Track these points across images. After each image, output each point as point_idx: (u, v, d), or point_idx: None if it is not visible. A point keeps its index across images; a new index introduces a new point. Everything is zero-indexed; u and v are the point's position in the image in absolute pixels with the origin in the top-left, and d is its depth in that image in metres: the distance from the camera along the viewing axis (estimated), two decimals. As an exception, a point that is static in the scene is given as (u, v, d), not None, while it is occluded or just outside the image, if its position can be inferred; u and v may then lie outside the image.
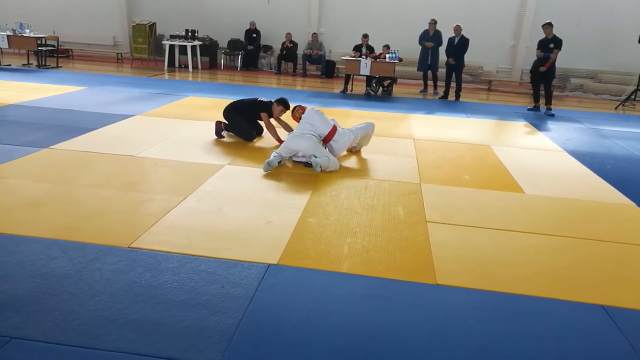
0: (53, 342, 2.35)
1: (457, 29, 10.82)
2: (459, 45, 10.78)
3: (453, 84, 11.10)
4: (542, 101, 10.09)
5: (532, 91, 10.48)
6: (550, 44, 9.56)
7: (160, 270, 3.04)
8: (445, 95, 11.19)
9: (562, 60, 10.50)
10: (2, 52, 12.02)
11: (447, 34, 11.12)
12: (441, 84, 11.58)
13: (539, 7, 13.28)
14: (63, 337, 2.39)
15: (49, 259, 3.09)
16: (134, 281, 2.91)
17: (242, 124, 6.23)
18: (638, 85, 11.21)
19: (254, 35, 13.98)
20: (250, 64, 14.15)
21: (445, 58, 10.98)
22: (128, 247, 3.30)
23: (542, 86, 9.97)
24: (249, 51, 14.00)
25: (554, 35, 9.55)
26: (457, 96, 11.08)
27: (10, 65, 11.98)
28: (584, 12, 13.12)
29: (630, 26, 11.33)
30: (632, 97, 11.36)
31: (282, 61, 13.86)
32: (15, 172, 4.60)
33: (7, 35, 11.70)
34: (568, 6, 13.10)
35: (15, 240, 3.30)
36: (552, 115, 9.69)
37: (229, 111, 6.30)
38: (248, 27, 13.90)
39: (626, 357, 2.52)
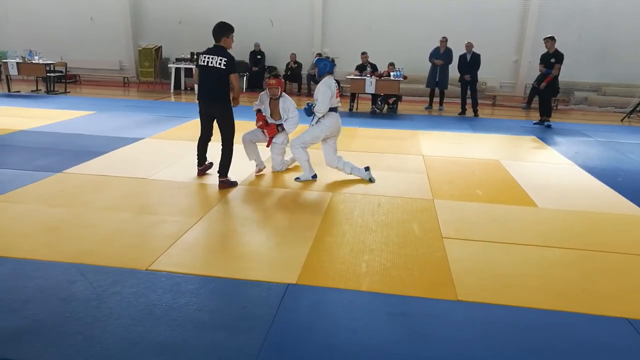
0: (77, 367, 2.34)
1: (469, 45, 10.97)
2: (471, 62, 10.91)
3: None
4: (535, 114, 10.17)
5: (537, 105, 10.52)
6: (551, 59, 9.63)
7: (180, 292, 3.04)
8: (463, 112, 11.27)
9: (565, 74, 10.56)
10: (11, 78, 12.19)
11: (455, 51, 11.27)
12: (451, 100, 11.65)
13: (540, 21, 13.41)
14: (87, 362, 2.38)
15: (68, 283, 3.09)
16: (155, 304, 2.90)
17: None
18: (642, 97, 11.24)
19: (259, 56, 14.15)
20: (256, 85, 14.29)
21: (454, 75, 11.09)
22: (146, 270, 3.30)
23: (540, 100, 10.08)
24: (254, 72, 14.15)
25: (556, 50, 9.62)
26: (475, 112, 11.17)
27: (19, 91, 12.14)
28: (585, 26, 13.24)
29: (632, 38, 11.43)
30: (638, 108, 11.38)
31: (287, 81, 13.99)
32: (29, 197, 4.63)
33: (17, 62, 11.88)
34: (569, 20, 13.22)
35: (33, 265, 3.31)
36: (549, 126, 9.75)
37: None
38: (253, 49, 14.08)
39: (655, 371, 2.49)
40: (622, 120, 11.34)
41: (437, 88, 11.71)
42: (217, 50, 4.93)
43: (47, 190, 4.84)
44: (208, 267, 3.39)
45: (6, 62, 12.05)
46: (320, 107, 5.30)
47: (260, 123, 5.58)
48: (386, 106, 11.34)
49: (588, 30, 13.26)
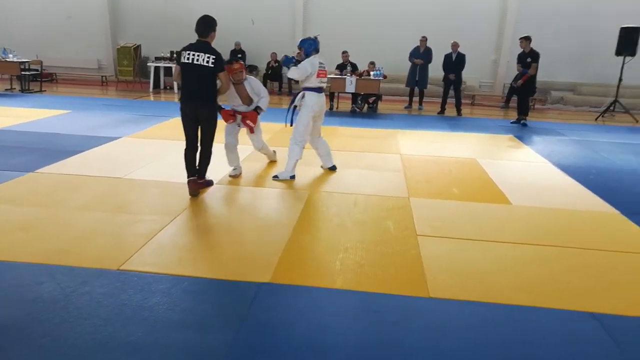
0: (43, 369, 2.31)
1: (455, 45, 11.07)
2: (457, 61, 11.02)
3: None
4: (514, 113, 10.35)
5: (515, 104, 10.68)
6: (527, 58, 9.78)
7: (151, 292, 3.01)
8: (442, 111, 11.36)
9: (542, 74, 10.73)
10: (-15, 77, 11.95)
11: (435, 51, 11.38)
12: (431, 99, 11.75)
13: (518, 21, 13.58)
14: (53, 363, 2.34)
15: (36, 284, 3.04)
16: (125, 304, 2.87)
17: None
18: (616, 97, 11.48)
19: (239, 55, 14.05)
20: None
21: (434, 75, 11.18)
22: (118, 270, 3.26)
23: (518, 99, 10.24)
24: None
25: (531, 49, 9.78)
26: (459, 111, 11.28)
27: (-7, 90, 11.90)
28: (563, 26, 13.45)
29: (608, 39, 11.62)
30: (611, 108, 11.62)
31: (268, 80, 13.95)
32: (0, 196, 4.54)
33: (-10, 61, 11.63)
34: (547, 20, 13.41)
35: (2, 266, 3.24)
36: (525, 125, 9.93)
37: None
38: (233, 48, 14.00)
39: (619, 364, 2.55)
40: (596, 119, 11.56)
41: (416, 87, 11.80)
42: (203, 46, 4.58)
43: (19, 189, 4.76)
44: (181, 267, 3.37)
45: (-21, 60, 11.79)
46: (293, 73, 5.36)
47: (236, 119, 5.44)
48: (366, 105, 11.39)
49: (565, 31, 13.47)
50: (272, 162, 6.16)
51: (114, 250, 3.56)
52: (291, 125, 5.56)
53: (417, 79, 11.62)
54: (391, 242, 3.90)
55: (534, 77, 9.92)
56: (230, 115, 5.43)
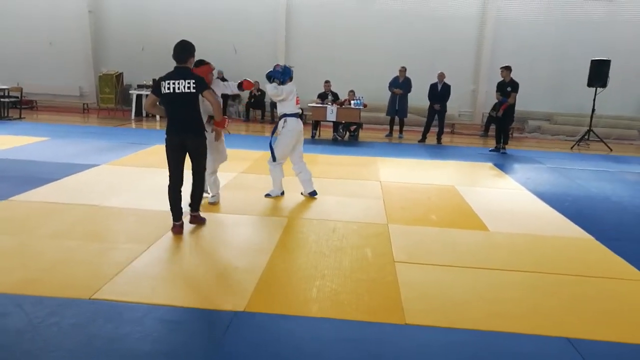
0: (4, 403, 2.22)
1: (441, 76, 11.30)
2: (442, 92, 11.24)
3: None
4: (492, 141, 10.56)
5: (494, 133, 10.90)
6: (507, 87, 10.04)
7: (122, 322, 2.94)
8: (423, 139, 11.50)
9: (520, 104, 10.99)
10: (-38, 104, 11.80)
11: (414, 80, 11.64)
12: (411, 128, 11.95)
13: (494, 51, 13.97)
14: (15, 397, 2.26)
15: (1, 316, 2.94)
16: (95, 334, 2.80)
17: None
18: (590, 126, 11.80)
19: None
20: (219, 112, 14.26)
21: (413, 104, 11.38)
22: (89, 299, 3.19)
23: (497, 128, 10.48)
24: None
25: (511, 79, 10.05)
26: (439, 139, 11.47)
27: (-30, 117, 11.74)
28: (538, 57, 13.88)
29: (581, 69, 12.01)
30: (586, 137, 11.92)
31: (251, 109, 14.04)
32: (-30, 225, 4.44)
33: (-31, 87, 11.52)
34: (522, 51, 13.82)
35: (-33, 296, 3.15)
36: (505, 153, 10.15)
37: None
38: (216, 77, 14.09)
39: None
40: (572, 147, 11.83)
41: (396, 116, 11.98)
42: (182, 72, 4.33)
43: (-10, 218, 4.65)
44: (155, 295, 3.30)
45: (-43, 86, 11.68)
46: (270, 89, 5.54)
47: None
48: (347, 133, 11.50)
49: (540, 62, 13.90)
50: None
51: (86, 279, 3.48)
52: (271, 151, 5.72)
53: (397, 108, 11.84)
54: (368, 269, 3.89)
55: (512, 106, 10.17)
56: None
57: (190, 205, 4.68)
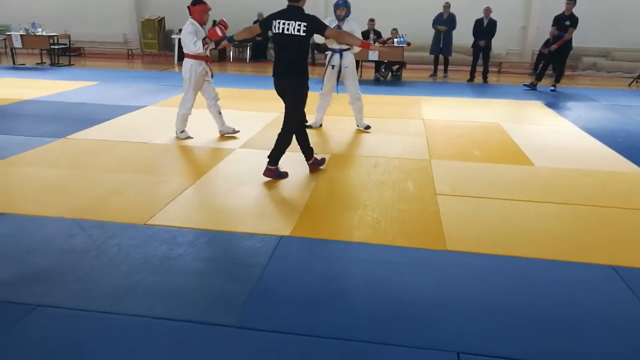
0: (76, 309, 2.45)
1: (487, 10, 10.78)
2: (488, 28, 10.75)
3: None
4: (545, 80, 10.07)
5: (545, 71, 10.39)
6: (566, 21, 9.44)
7: (176, 244, 3.14)
8: (471, 78, 11.16)
9: (574, 40, 10.36)
10: (15, 52, 12.23)
11: (459, 17, 11.11)
12: (456, 67, 11.50)
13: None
14: (85, 304, 2.49)
15: (69, 237, 3.20)
16: (152, 254, 3.01)
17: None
18: (651, 61, 11.05)
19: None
20: (259, 55, 14.21)
21: (458, 42, 10.93)
22: (144, 224, 3.40)
23: (543, 64, 9.96)
24: (258, 43, 14.05)
25: (572, 13, 9.44)
26: (485, 78, 11.08)
27: (24, 64, 12.19)
28: (595, -11, 12.90)
29: (641, 2, 11.16)
30: (646, 73, 11.19)
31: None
32: (33, 160, 4.73)
33: (21, 35, 11.89)
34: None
35: (37, 221, 3.42)
36: (554, 91, 9.72)
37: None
38: (256, 19, 13.94)
39: (635, 312, 2.55)
40: (629, 85, 11.17)
41: (441, 55, 11.59)
42: (293, 12, 4.04)
43: (50, 154, 4.94)
44: (204, 222, 3.48)
45: (10, 34, 12.07)
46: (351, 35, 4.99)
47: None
48: (390, 73, 11.26)
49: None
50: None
51: (140, 207, 3.70)
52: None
53: (441, 46, 11.42)
54: (410, 201, 3.93)
55: (569, 41, 9.60)
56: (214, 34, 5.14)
57: (268, 157, 4.34)
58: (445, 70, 11.80)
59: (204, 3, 5.16)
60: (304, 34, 4.01)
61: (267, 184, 4.31)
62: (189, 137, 5.57)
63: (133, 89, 8.90)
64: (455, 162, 4.98)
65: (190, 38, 5.17)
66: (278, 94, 4.33)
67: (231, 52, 14.44)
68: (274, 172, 4.34)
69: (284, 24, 4.03)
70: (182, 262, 2.93)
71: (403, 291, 2.68)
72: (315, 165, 4.59)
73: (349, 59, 5.81)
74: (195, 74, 5.35)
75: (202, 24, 5.29)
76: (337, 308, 2.52)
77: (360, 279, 2.79)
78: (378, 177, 4.49)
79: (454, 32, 11.37)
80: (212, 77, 5.55)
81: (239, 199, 3.95)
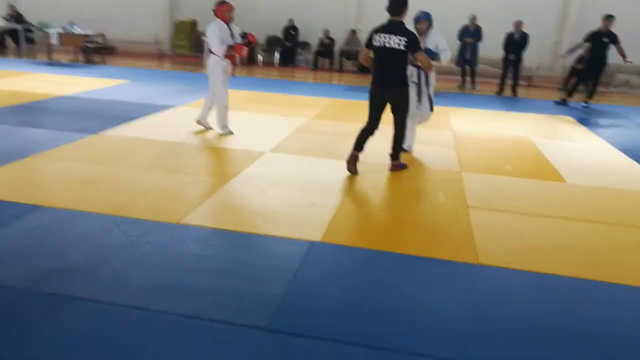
0: (110, 303, 2.49)
1: (518, 24, 10.68)
2: (519, 41, 10.66)
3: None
4: (576, 96, 9.91)
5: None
6: (603, 37, 9.29)
7: (208, 245, 3.17)
8: (500, 91, 11.06)
9: (610, 57, 10.19)
10: (53, 48, 12.54)
11: (486, 29, 11.03)
12: (482, 79, 11.39)
13: (584, 1, 12.90)
14: (120, 299, 2.53)
15: (104, 232, 3.25)
16: (184, 253, 3.04)
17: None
18: (688, 81, 10.77)
19: (292, 32, 14.13)
20: (288, 60, 14.32)
21: (484, 54, 10.86)
22: (177, 223, 3.44)
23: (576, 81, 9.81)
24: (287, 48, 14.16)
25: (609, 30, 9.29)
26: (514, 92, 10.96)
27: (60, 61, 12.50)
28: (631, 6, 12.67)
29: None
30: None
31: (319, 57, 13.96)
32: (68, 155, 4.84)
33: (59, 33, 12.20)
34: (614, 2, 12.65)
35: (73, 215, 3.49)
36: (587, 107, 9.55)
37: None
38: (286, 24, 14.07)
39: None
40: (664, 104, 10.91)
41: (467, 66, 11.54)
42: (395, 27, 4.34)
43: (83, 149, 5.05)
44: (235, 223, 3.51)
45: (48, 32, 12.40)
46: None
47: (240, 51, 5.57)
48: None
49: (633, 12, 12.68)
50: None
51: (172, 206, 3.74)
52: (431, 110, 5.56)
53: (468, 58, 11.35)
54: (441, 212, 3.90)
55: (604, 57, 9.45)
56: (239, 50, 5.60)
57: (390, 154, 4.85)
58: (473, 82, 11.71)
59: (226, 3, 5.50)
60: (404, 49, 4.33)
61: (296, 187, 4.32)
62: (231, 133, 5.74)
63: (164, 89, 9.05)
64: (486, 175, 4.93)
65: (215, 40, 5.52)
66: (373, 101, 4.67)
67: (260, 57, 14.57)
68: (398, 166, 4.86)
69: (385, 37, 4.36)
70: (214, 263, 2.95)
71: (435, 303, 2.65)
72: (396, 164, 4.85)
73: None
74: (220, 70, 5.66)
75: (227, 22, 5.56)
76: (366, 316, 2.50)
77: (390, 289, 2.77)
78: (409, 186, 4.47)
79: (481, 45, 11.31)
80: (232, 74, 5.85)
81: (270, 202, 3.97)
